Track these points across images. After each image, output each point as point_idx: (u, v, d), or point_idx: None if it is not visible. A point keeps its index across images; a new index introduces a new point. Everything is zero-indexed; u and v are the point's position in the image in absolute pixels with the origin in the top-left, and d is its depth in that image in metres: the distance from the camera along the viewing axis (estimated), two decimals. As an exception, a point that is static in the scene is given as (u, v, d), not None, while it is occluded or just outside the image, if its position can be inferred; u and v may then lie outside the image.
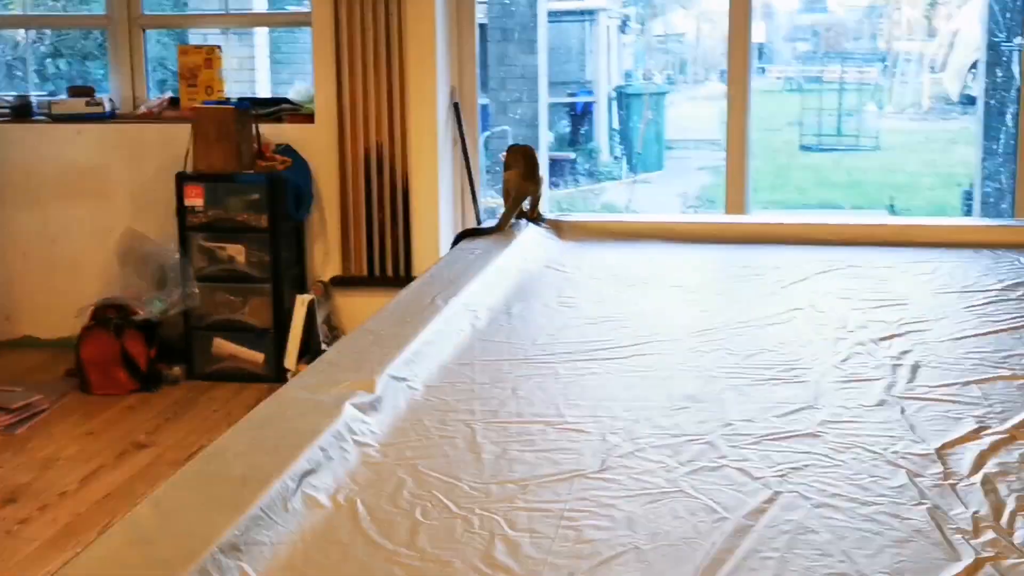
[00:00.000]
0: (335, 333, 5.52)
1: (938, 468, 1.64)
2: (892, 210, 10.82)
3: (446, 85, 5.41)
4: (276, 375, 5.28)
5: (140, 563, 1.30)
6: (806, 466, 1.65)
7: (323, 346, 5.36)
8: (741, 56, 5.24)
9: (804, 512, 1.51)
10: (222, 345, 5.35)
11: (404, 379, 1.98)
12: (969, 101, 12.66)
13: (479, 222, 5.44)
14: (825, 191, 11.82)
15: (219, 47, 5.66)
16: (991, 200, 6.45)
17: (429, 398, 1.96)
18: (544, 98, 10.23)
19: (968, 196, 9.40)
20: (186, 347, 5.36)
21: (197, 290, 5.26)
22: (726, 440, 1.75)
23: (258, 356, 5.34)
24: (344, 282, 5.52)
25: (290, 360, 5.28)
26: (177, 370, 5.33)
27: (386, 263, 5.45)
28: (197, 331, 5.34)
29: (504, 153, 3.36)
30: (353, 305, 5.54)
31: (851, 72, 14.90)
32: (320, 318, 5.40)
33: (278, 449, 1.61)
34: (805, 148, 13.39)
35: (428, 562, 1.39)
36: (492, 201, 6.80)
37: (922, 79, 15.09)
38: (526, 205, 3.32)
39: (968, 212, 8.81)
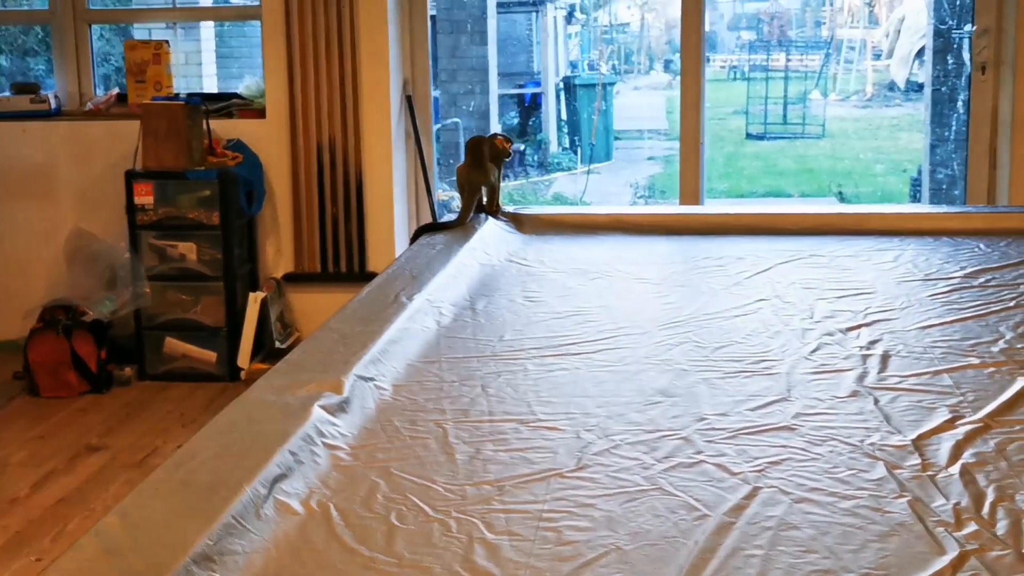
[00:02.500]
0: (289, 331, 5.47)
1: (916, 459, 1.63)
2: (841, 197, 10.89)
3: (399, 78, 5.37)
4: (230, 374, 5.22)
5: (111, 577, 1.26)
6: (784, 460, 1.64)
7: (277, 344, 5.31)
8: (694, 45, 5.23)
9: (785, 507, 1.49)
10: (174, 345, 5.28)
11: (371, 379, 1.95)
12: (916, 88, 12.77)
13: (434, 215, 5.41)
14: (773, 179, 11.89)
15: (167, 42, 5.58)
16: (943, 187, 6.50)
17: (398, 398, 1.92)
18: (494, 90, 10.21)
19: (916, 183, 9.48)
20: (137, 347, 5.28)
21: (148, 289, 5.18)
22: (701, 435, 1.74)
23: (211, 355, 5.27)
24: (297, 279, 5.46)
25: (243, 359, 5.22)
26: (128, 371, 5.25)
27: (340, 259, 5.39)
28: (148, 331, 5.26)
29: None
30: (307, 302, 5.48)
31: (795, 60, 15.01)
32: (273, 316, 5.34)
33: (247, 454, 1.57)
34: (752, 136, 13.46)
35: (406, 568, 1.35)
36: (445, 194, 6.77)
37: (865, 66, 15.22)
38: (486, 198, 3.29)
39: (916, 198, 8.89)
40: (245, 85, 5.57)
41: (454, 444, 1.72)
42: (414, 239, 3.17)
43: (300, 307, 5.50)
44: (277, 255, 5.48)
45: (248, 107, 5.48)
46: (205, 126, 5.18)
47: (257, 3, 5.35)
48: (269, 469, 1.53)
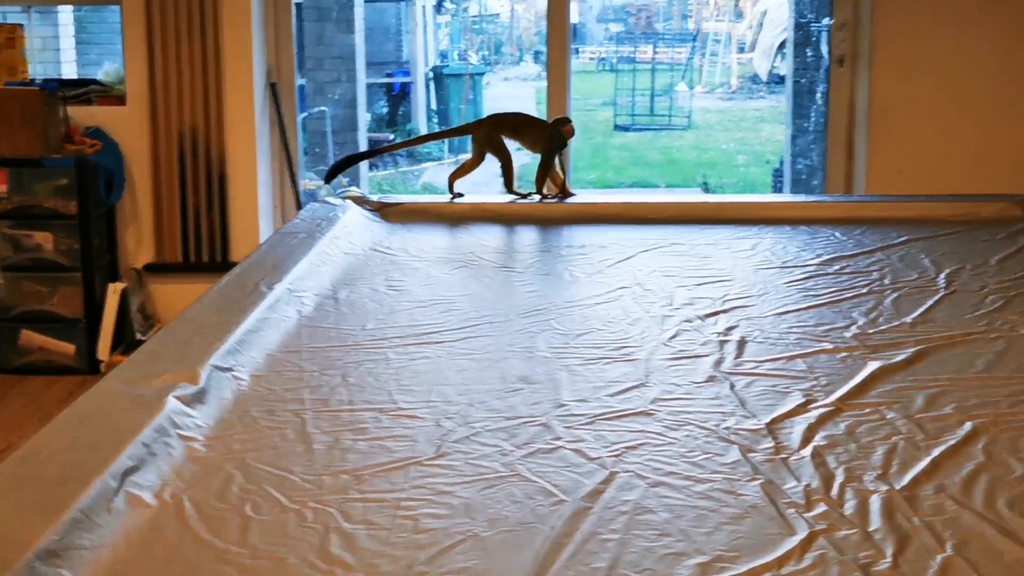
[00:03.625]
0: (150, 322, 5.36)
1: (769, 443, 1.66)
2: (706, 188, 11.05)
3: (263, 65, 5.29)
4: (89, 367, 5.10)
5: (-50, 575, 1.22)
6: (641, 445, 1.66)
7: (138, 335, 5.20)
8: (561, 37, 5.26)
9: (641, 492, 1.50)
10: (30, 337, 5.14)
11: (229, 369, 1.91)
12: (778, 80, 13.03)
13: (299, 205, 5.35)
14: (640, 170, 12.01)
15: (21, 26, 5.41)
16: (803, 177, 6.64)
17: (256, 388, 1.90)
18: (362, 79, 10.13)
19: (778, 173, 9.66)
20: (-8, 340, 5.14)
21: (2, 280, 5.04)
22: (560, 421, 1.75)
23: (69, 348, 5.15)
24: (158, 269, 5.35)
25: (103, 351, 5.11)
26: (-18, 364, 5.10)
27: (202, 249, 5.30)
28: (3, 323, 5.11)
29: None
30: (168, 293, 5.37)
31: (662, 52, 15.19)
32: (134, 306, 5.24)
33: (98, 447, 1.53)
34: (619, 128, 13.58)
35: (260, 559, 1.34)
36: (311, 184, 6.70)
37: (730, 59, 15.49)
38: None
39: (779, 189, 9.06)
40: (105, 71, 5.44)
41: (312, 434, 1.70)
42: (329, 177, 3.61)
43: (161, 298, 5.39)
44: (138, 245, 5.36)
45: (107, 94, 5.35)
46: (62, 112, 5.05)
47: (116, -13, 5.23)
48: (120, 462, 1.49)
